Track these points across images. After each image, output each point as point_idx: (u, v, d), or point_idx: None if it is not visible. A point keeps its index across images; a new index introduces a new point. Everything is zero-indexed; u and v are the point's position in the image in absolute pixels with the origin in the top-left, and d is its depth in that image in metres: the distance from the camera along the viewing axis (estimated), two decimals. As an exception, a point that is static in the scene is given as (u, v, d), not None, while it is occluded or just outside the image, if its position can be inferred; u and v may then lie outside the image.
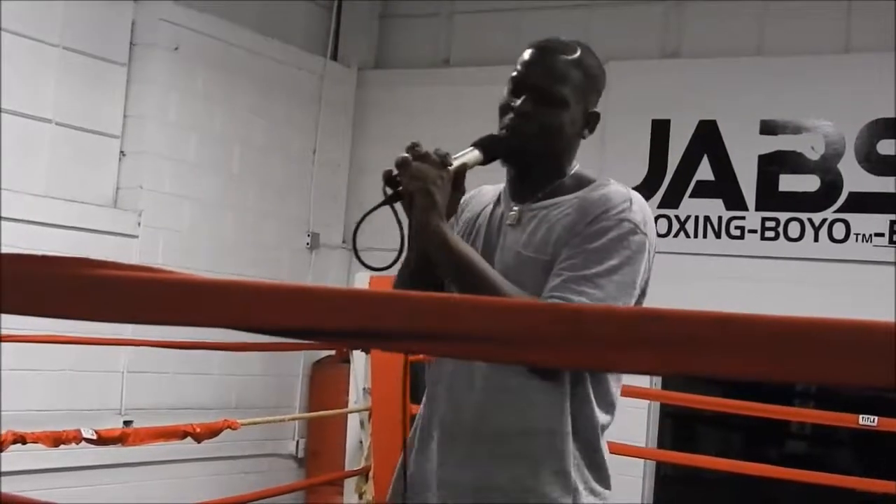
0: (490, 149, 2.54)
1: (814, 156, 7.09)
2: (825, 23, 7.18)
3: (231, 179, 7.53)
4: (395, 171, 2.39)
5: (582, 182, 2.60)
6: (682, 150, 7.38)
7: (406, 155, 2.38)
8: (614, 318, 1.02)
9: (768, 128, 7.21)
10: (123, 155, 6.87)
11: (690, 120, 7.41)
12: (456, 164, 2.43)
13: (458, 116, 8.13)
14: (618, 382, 2.60)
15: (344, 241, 8.43)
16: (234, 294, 1.11)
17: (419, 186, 2.35)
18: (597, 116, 2.61)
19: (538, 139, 2.54)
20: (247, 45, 7.53)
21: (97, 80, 6.69)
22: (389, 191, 2.38)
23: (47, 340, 5.71)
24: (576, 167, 2.65)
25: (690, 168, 7.36)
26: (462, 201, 2.68)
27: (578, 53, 2.58)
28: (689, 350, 0.96)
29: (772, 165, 7.18)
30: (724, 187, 7.25)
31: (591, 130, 2.63)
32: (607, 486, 2.55)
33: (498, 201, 2.69)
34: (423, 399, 2.70)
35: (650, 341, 0.98)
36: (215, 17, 7.30)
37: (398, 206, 2.40)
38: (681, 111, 7.44)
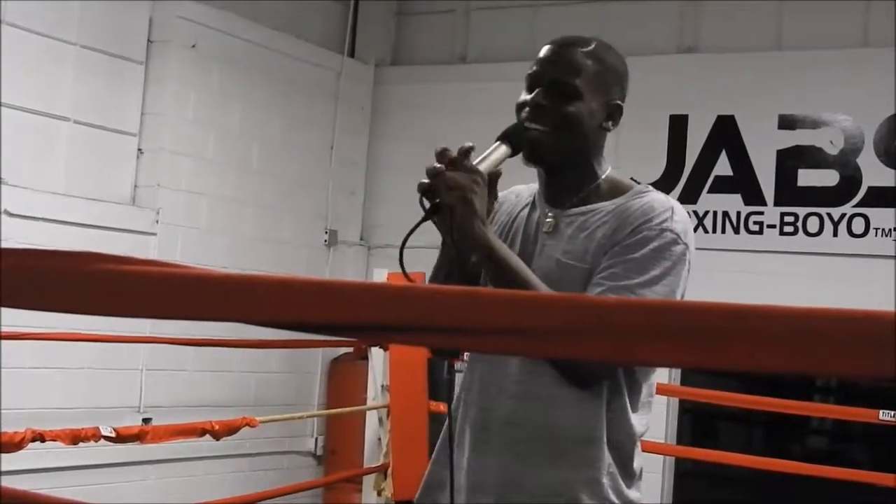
0: (516, 139, 2.50)
1: (833, 150, 7.06)
2: (844, 17, 7.14)
3: (248, 176, 7.53)
4: (428, 182, 2.33)
5: (619, 188, 2.57)
6: (700, 146, 7.36)
7: (438, 165, 2.33)
8: (636, 310, 1.01)
9: (787, 122, 7.18)
10: (141, 153, 6.88)
11: (708, 115, 7.39)
12: (487, 164, 2.40)
13: (474, 113, 8.12)
14: (651, 389, 2.57)
15: (362, 239, 8.43)
16: (255, 289, 1.10)
17: (457, 196, 2.30)
18: (619, 108, 2.56)
19: (555, 131, 2.50)
20: (264, 43, 7.53)
21: (115, 78, 6.70)
22: (427, 204, 2.33)
23: (66, 338, 5.72)
24: (608, 170, 2.61)
25: (709, 163, 7.34)
26: (496, 203, 2.63)
27: (593, 46, 2.55)
28: (711, 342, 0.95)
29: (790, 160, 7.15)
30: (743, 182, 7.23)
31: (615, 123, 2.57)
32: (638, 491, 2.52)
33: (533, 205, 2.65)
34: (454, 402, 2.66)
35: (672, 333, 0.97)
36: (232, 15, 7.30)
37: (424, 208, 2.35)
38: (699, 106, 7.42)
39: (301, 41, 7.87)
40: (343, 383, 8.04)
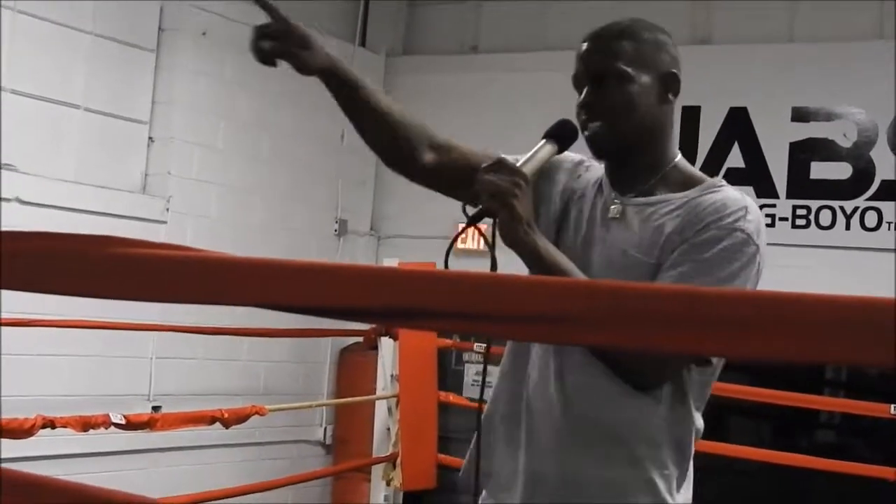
0: (564, 137, 2.44)
1: (846, 143, 7.03)
2: (858, 9, 7.11)
3: (259, 165, 7.52)
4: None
5: (691, 179, 2.49)
6: (713, 138, 7.34)
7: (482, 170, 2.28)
8: (656, 298, 1.00)
9: (800, 115, 7.15)
10: (152, 141, 6.88)
11: (721, 107, 7.36)
12: (531, 165, 2.35)
13: (486, 103, 8.11)
14: (710, 387, 2.50)
15: (372, 229, 8.42)
16: (269, 272, 1.09)
17: (499, 202, 2.25)
18: (673, 76, 2.47)
19: (613, 122, 2.42)
20: (275, 31, 7.50)
21: (126, 66, 6.69)
22: (471, 210, 2.28)
23: (76, 325, 5.72)
24: (678, 157, 2.53)
25: (721, 155, 7.31)
26: (570, 165, 2.60)
27: (624, 26, 2.49)
28: (734, 330, 0.93)
29: (803, 153, 7.12)
30: (755, 175, 7.20)
31: (675, 92, 2.49)
32: (689, 493, 2.47)
33: (600, 187, 2.54)
34: (496, 394, 2.56)
35: (693, 321, 0.96)
36: (243, 3, 7.26)
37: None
38: (711, 98, 7.39)
39: (312, 30, 7.84)
40: (352, 373, 8.04)
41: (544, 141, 2.42)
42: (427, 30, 8.65)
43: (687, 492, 2.46)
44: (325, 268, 1.03)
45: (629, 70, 2.42)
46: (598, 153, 2.48)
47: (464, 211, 2.29)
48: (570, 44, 8.85)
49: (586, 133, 2.45)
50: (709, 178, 2.50)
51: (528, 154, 2.38)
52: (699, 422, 2.47)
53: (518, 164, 2.32)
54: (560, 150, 2.43)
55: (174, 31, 6.91)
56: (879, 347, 0.89)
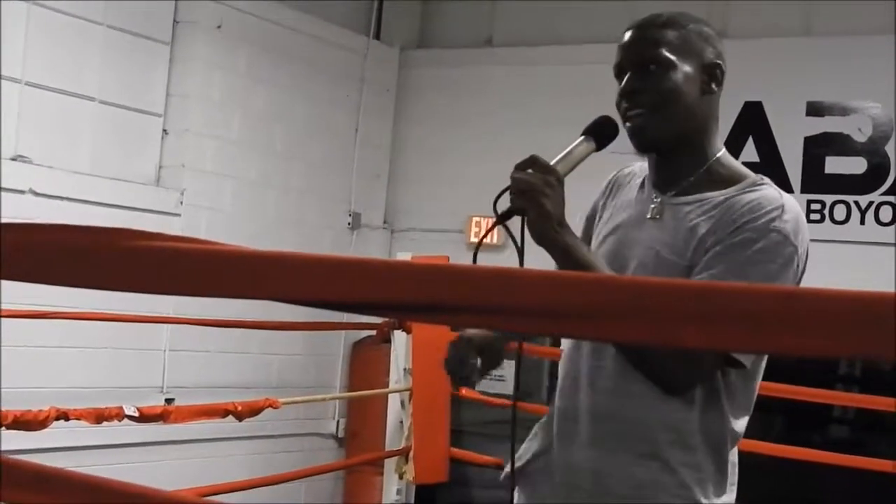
0: (602, 135, 2.38)
1: (861, 138, 7.00)
2: (873, 3, 7.07)
3: (273, 158, 7.53)
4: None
5: (733, 176, 2.44)
6: (727, 132, 7.29)
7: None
8: (675, 292, 0.99)
9: (815, 109, 7.12)
10: (166, 133, 6.89)
11: (735, 101, 7.33)
12: (566, 163, 2.31)
13: (500, 96, 8.10)
14: (754, 391, 2.47)
15: (385, 222, 8.41)
16: (282, 266, 1.09)
17: (529, 199, 2.20)
18: (718, 66, 2.44)
19: (656, 110, 2.37)
20: (289, 24, 7.51)
21: (140, 58, 6.70)
22: (501, 206, 2.26)
23: (90, 318, 5.73)
24: (721, 151, 2.48)
25: (735, 150, 7.26)
26: (611, 179, 2.59)
27: (667, 16, 2.45)
28: (756, 325, 0.93)
29: (818, 147, 7.10)
30: (770, 169, 7.15)
31: (719, 84, 2.46)
32: (732, 496, 2.44)
33: (642, 186, 2.52)
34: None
35: (714, 316, 0.95)
36: (258, -4, 7.29)
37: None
38: (726, 92, 7.31)
39: (327, 23, 7.85)
40: (365, 366, 8.04)
41: (582, 138, 2.37)
42: (442, 23, 8.63)
43: (728, 496, 2.41)
44: (339, 261, 1.03)
45: (673, 58, 2.37)
46: (640, 145, 2.42)
47: (494, 208, 2.26)
48: (584, 38, 8.85)
49: (627, 124, 2.40)
50: (752, 175, 2.45)
51: (564, 151, 2.34)
52: (738, 425, 2.41)
53: (552, 162, 2.28)
54: (598, 148, 2.38)
55: (189, 23, 6.91)
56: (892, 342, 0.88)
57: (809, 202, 7.06)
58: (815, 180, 7.06)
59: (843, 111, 7.06)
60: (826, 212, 7.01)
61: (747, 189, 2.38)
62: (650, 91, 2.37)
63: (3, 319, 5.12)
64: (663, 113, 2.37)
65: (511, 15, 8.31)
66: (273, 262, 1.06)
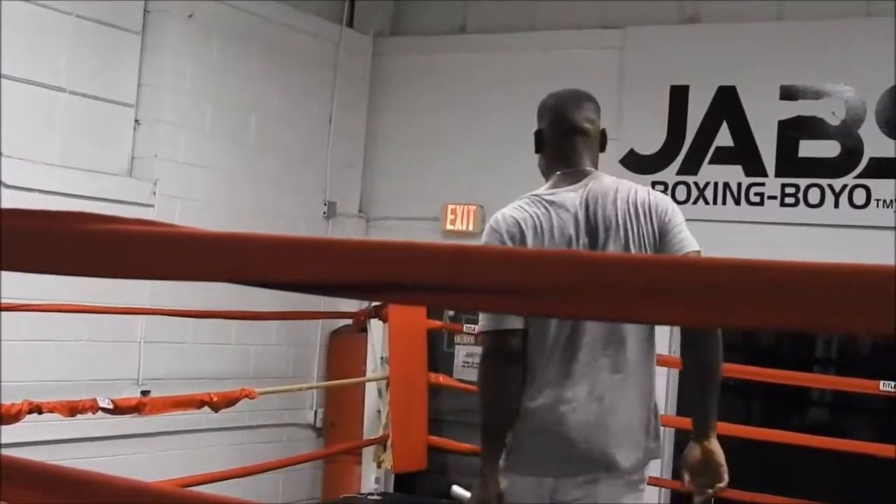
0: None
1: (834, 121, 7.02)
2: (846, -13, 7.09)
3: (247, 148, 7.49)
4: None
5: None
6: (701, 117, 7.32)
7: None
8: (637, 267, 0.98)
9: (788, 93, 7.13)
10: (138, 124, 6.84)
11: (709, 86, 7.34)
12: None
13: (475, 83, 8.08)
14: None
15: (361, 210, 8.39)
16: (248, 247, 1.07)
17: None
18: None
19: None
20: (262, 13, 7.47)
21: (111, 48, 6.65)
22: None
23: (64, 310, 5.70)
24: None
25: (709, 134, 7.29)
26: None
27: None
28: (713, 298, 0.91)
29: (792, 131, 7.11)
30: (744, 153, 7.18)
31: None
32: None
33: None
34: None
35: (674, 290, 0.94)
36: (229, -15, 7.24)
37: None
38: (700, 77, 7.37)
39: (299, 11, 7.81)
40: (343, 356, 8.02)
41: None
42: (415, 10, 8.60)
43: None
44: (295, 242, 1.01)
45: None
46: None
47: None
48: (558, 24, 8.83)
49: None
50: None
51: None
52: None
53: None
54: None
55: (160, 12, 6.86)
56: (877, 314, 0.87)
57: (784, 186, 7.08)
58: (789, 164, 7.08)
59: (817, 94, 7.07)
60: (800, 195, 7.03)
61: None
62: None
63: (-26, 313, 5.09)
64: None
65: (483, 2, 8.29)
66: (225, 244, 1.04)
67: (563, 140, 3.39)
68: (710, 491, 3.13)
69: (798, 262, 0.91)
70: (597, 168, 3.38)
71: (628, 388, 3.13)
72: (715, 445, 3.18)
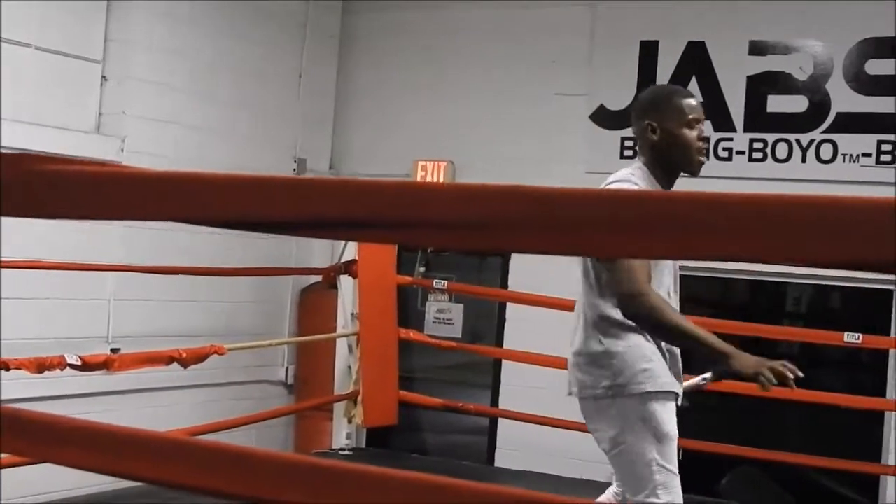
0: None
1: (802, 76, 7.04)
2: (815, -59, 7.09)
3: (216, 105, 7.45)
4: None
5: None
6: (671, 72, 7.32)
7: None
8: (590, 201, 0.98)
9: (757, 48, 7.15)
10: (105, 80, 6.79)
11: (678, 41, 7.34)
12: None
13: (444, 40, 8.05)
14: None
15: (331, 167, 8.37)
16: (195, 185, 1.07)
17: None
18: None
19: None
20: (230, -31, 7.42)
21: (78, 3, 6.59)
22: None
23: (32, 267, 5.67)
24: None
25: (679, 90, 7.29)
26: None
27: None
28: (672, 230, 0.92)
29: (760, 86, 7.13)
30: (713, 109, 7.18)
31: None
32: None
33: None
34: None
35: (629, 223, 0.95)
36: (197, -60, 7.18)
37: None
38: (669, 33, 7.37)
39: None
40: (313, 312, 8.03)
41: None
42: (384, -34, 8.55)
43: None
44: (246, 180, 1.02)
45: None
46: (695, 174, 4.01)
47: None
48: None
49: (701, 159, 4.02)
50: None
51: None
52: None
53: None
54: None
55: (127, -32, 6.80)
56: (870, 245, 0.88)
57: (752, 141, 7.10)
58: (758, 119, 7.10)
59: (786, 50, 7.09)
60: (768, 150, 7.06)
61: None
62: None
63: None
64: None
65: (454, -43, 8.24)
66: (176, 182, 1.04)
67: None
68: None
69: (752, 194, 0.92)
70: (640, 159, 3.93)
71: None
72: (742, 358, 3.75)
